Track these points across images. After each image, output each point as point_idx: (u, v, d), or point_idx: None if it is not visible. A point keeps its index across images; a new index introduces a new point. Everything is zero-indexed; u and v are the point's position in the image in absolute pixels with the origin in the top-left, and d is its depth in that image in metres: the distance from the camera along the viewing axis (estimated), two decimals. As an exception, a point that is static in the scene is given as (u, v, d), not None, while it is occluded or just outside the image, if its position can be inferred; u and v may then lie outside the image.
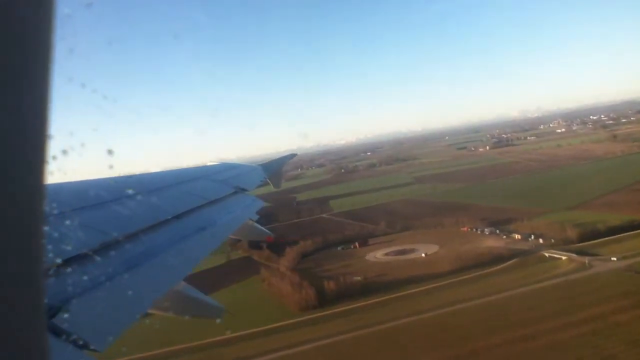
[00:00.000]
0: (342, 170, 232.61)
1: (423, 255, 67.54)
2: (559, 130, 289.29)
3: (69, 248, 2.76)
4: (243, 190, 7.58)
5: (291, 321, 51.48)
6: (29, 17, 0.87)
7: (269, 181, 10.76)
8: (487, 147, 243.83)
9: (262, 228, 7.60)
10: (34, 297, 1.05)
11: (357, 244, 78.98)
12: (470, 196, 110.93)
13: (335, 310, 52.33)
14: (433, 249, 69.66)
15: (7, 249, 0.92)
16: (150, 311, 3.40)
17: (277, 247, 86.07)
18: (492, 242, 69.20)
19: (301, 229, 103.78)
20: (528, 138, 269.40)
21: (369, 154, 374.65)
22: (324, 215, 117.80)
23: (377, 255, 72.42)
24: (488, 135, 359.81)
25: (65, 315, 2.29)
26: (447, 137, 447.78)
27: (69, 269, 2.65)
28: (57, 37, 0.93)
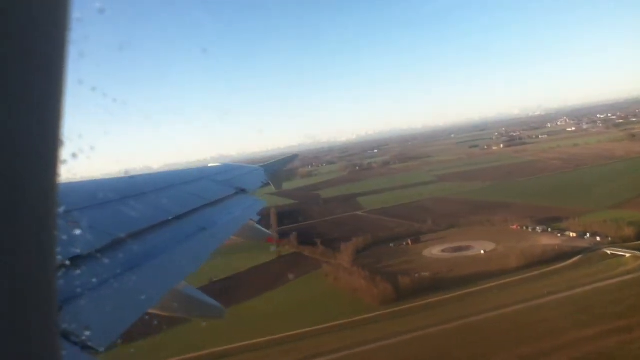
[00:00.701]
0: (357, 168, 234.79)
1: (482, 252, 70.23)
2: (570, 129, 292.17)
3: (70, 248, 2.83)
4: (244, 191, 7.77)
5: (376, 314, 53.95)
6: (44, 20, 0.90)
7: (270, 182, 11.00)
8: (501, 146, 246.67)
9: (263, 229, 7.90)
10: (47, 296, 1.08)
11: (409, 241, 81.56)
12: (504, 195, 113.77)
13: (415, 304, 54.87)
14: (490, 246, 72.39)
15: (21, 249, 0.96)
16: (151, 311, 3.47)
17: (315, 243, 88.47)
18: (548, 240, 72.00)
19: (340, 226, 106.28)
20: (539, 137, 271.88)
21: (376, 151, 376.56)
22: (358, 213, 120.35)
23: (434, 252, 75.07)
24: (496, 134, 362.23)
25: (66, 315, 2.33)
26: (452, 135, 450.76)
27: (69, 269, 2.72)
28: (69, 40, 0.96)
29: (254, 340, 51.41)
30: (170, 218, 4.77)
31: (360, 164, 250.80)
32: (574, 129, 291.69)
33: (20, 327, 0.99)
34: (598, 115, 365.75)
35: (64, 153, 1.05)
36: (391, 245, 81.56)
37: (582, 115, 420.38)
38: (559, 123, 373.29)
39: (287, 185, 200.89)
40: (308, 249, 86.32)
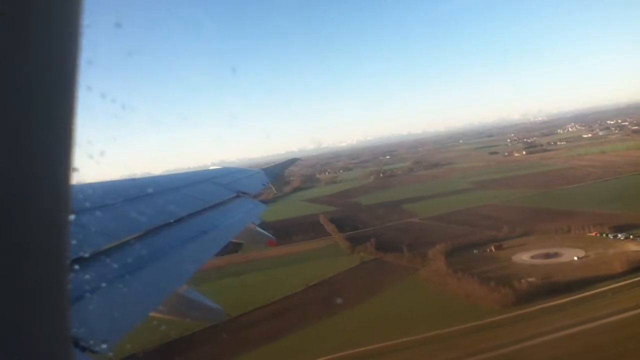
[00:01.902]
0: (381, 175, 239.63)
1: (575, 258, 75.23)
2: (586, 136, 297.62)
3: (73, 250, 2.90)
4: (245, 194, 8.03)
5: (505, 316, 58.52)
6: (56, 27, 0.95)
7: (272, 185, 11.46)
8: (523, 152, 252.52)
9: (264, 232, 8.11)
10: (59, 299, 1.12)
11: (492, 247, 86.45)
12: (560, 202, 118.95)
13: (542, 306, 59.51)
14: (579, 253, 77.47)
15: (35, 250, 1.00)
16: (152, 314, 3.56)
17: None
18: (635, 246, 77.29)
19: (405, 232, 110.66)
20: (557, 143, 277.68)
21: (388, 157, 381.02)
22: (414, 220, 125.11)
23: (523, 258, 80.00)
24: (508, 140, 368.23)
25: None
26: (460, 141, 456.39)
27: (73, 271, 2.75)
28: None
29: (396, 341, 55.60)
30: (171, 221, 4.94)
31: (383, 170, 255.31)
32: (590, 135, 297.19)
33: (33, 329, 1.02)
34: (608, 121, 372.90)
35: (75, 158, 1.10)
36: (475, 251, 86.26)
37: (589, 121, 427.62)
38: (570, 129, 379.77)
39: (314, 193, 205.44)
40: (389, 255, 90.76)
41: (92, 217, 3.88)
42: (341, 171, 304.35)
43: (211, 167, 10.62)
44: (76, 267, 2.83)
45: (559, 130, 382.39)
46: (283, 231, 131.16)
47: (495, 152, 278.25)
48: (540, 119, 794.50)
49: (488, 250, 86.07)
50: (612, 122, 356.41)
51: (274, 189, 12.17)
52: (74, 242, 3.00)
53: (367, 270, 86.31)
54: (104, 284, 3.05)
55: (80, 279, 2.84)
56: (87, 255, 3.15)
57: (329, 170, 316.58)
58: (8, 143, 0.88)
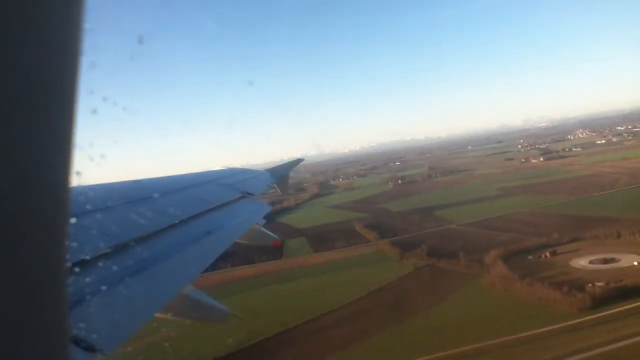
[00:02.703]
0: (399, 182, 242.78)
1: (635, 264, 78.46)
2: (599, 142, 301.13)
3: (76, 252, 2.98)
4: (250, 194, 8.11)
5: (587, 319, 61.45)
6: (58, 29, 0.97)
7: (276, 186, 11.61)
8: (540, 159, 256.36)
9: (269, 232, 8.15)
10: (58, 300, 1.13)
11: (547, 253, 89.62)
12: (598, 208, 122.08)
13: (615, 310, 62.47)
14: (637, 258, 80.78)
15: (34, 251, 1.02)
16: (157, 315, 3.60)
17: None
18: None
19: (448, 239, 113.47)
20: (573, 149, 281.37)
21: (398, 163, 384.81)
22: (452, 226, 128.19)
23: (581, 263, 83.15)
24: (519, 146, 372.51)
25: (73, 319, 2.44)
26: (469, 147, 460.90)
27: (76, 272, 2.85)
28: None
29: (490, 342, 58.41)
30: (176, 222, 5.03)
31: (400, 177, 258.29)
32: (603, 141, 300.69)
33: (31, 330, 1.04)
34: (618, 128, 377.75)
35: (76, 162, 1.12)
36: (529, 257, 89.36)
37: (596, 127, 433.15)
38: (580, 135, 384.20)
39: (335, 199, 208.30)
40: (443, 262, 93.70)
41: (96, 219, 3.98)
42: (355, 177, 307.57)
43: (216, 169, 10.63)
44: (81, 268, 2.93)
45: (568, 137, 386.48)
46: (320, 237, 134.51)
47: (511, 159, 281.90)
48: (543, 124, 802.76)
49: (543, 256, 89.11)
50: (622, 129, 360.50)
51: (278, 190, 12.25)
52: (78, 243, 3.08)
53: (424, 276, 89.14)
54: (109, 285, 3.11)
55: (85, 280, 2.89)
56: (92, 256, 3.23)
57: (341, 177, 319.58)
58: (8, 145, 0.90)
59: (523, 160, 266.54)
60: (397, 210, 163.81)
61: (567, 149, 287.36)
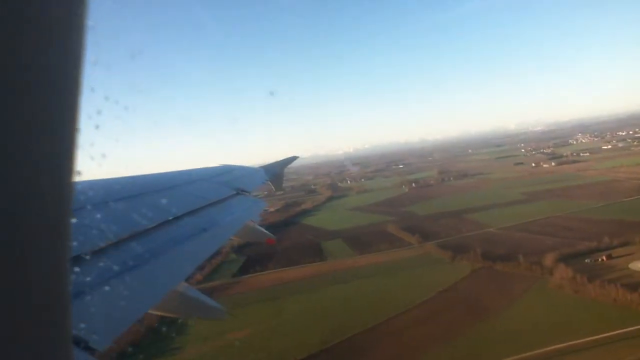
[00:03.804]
0: (413, 185, 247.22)
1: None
2: (605, 147, 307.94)
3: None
4: (244, 191, 8.43)
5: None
6: (61, 26, 0.99)
7: (270, 183, 11.81)
8: (552, 163, 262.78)
9: (263, 230, 8.55)
10: (60, 297, 1.16)
11: (603, 257, 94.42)
12: (632, 214, 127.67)
13: None
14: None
15: (36, 247, 1.04)
16: (150, 311, 3.70)
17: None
18: None
19: (492, 243, 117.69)
20: (581, 154, 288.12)
21: (401, 166, 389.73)
22: (490, 230, 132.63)
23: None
24: (523, 150, 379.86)
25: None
26: (470, 151, 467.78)
27: (70, 269, 2.74)
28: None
29: (583, 339, 62.43)
30: (170, 218, 5.21)
31: (414, 180, 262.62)
32: (609, 147, 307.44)
33: (33, 329, 1.05)
34: (619, 133, 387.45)
35: (77, 160, 1.14)
36: (587, 260, 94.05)
37: (595, 131, 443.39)
38: (583, 140, 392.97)
39: (353, 202, 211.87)
40: (500, 264, 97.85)
41: (90, 215, 4.03)
42: (363, 180, 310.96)
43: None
44: (75, 265, 3.03)
45: (571, 141, 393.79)
46: (357, 240, 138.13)
47: (521, 163, 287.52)
48: (539, 128, 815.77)
49: (599, 259, 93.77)
50: (623, 134, 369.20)
51: (272, 187, 12.44)
52: (72, 239, 3.01)
53: (485, 279, 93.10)
54: (102, 282, 3.19)
55: (78, 277, 2.98)
56: (85, 253, 3.33)
57: (349, 179, 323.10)
58: (11, 143, 0.92)
59: (534, 164, 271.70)
60: (424, 213, 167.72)
61: (574, 154, 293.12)
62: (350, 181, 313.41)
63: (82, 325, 2.52)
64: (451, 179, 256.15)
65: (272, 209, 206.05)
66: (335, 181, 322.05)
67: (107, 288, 3.15)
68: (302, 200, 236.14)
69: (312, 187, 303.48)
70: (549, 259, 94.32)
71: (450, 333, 70.73)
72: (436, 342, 68.76)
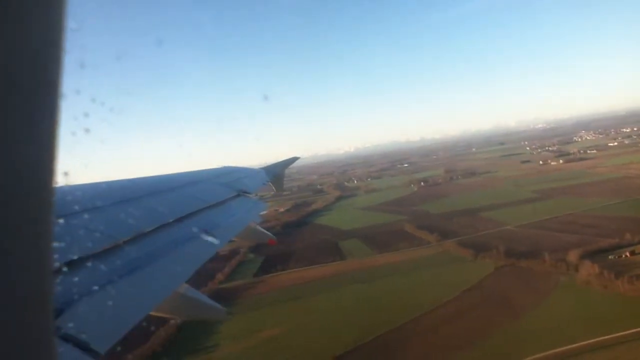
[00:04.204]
0: (422, 184, 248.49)
1: None
2: (611, 144, 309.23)
3: (71, 251, 3.09)
4: (245, 193, 8.53)
5: None
6: (40, 28, 0.99)
7: (272, 184, 11.90)
8: (560, 161, 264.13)
9: (265, 231, 8.75)
10: (43, 299, 1.16)
11: (627, 253, 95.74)
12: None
13: None
14: None
15: (18, 251, 1.04)
16: (152, 313, 3.71)
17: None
18: None
19: (512, 240, 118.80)
20: (588, 152, 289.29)
21: (406, 165, 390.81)
22: (509, 227, 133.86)
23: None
24: (527, 148, 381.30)
25: (68, 318, 2.49)
26: (473, 149, 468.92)
27: (71, 272, 2.95)
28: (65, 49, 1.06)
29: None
30: (171, 220, 5.25)
31: (423, 179, 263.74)
32: (615, 144, 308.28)
33: (16, 330, 1.05)
34: (623, 130, 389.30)
35: (66, 162, 1.17)
36: (610, 257, 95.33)
37: (597, 129, 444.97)
38: (587, 137, 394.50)
39: (363, 202, 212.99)
40: (524, 262, 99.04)
41: (91, 218, 4.11)
42: (369, 179, 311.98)
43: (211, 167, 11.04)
44: (76, 268, 3.07)
45: (574, 139, 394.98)
46: (373, 239, 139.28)
47: (527, 161, 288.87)
48: (540, 126, 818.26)
49: (623, 255, 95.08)
50: (627, 131, 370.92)
51: (273, 188, 12.50)
52: (73, 243, 3.23)
53: (510, 276, 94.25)
54: (104, 285, 3.21)
55: (80, 280, 3.00)
56: (87, 256, 3.35)
57: (355, 179, 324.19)
58: None
59: (541, 162, 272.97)
60: (437, 212, 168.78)
61: (581, 152, 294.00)
62: (356, 180, 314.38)
63: (83, 328, 2.54)
64: (459, 177, 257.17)
65: (281, 209, 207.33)
66: (340, 181, 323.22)
67: (108, 291, 3.15)
68: (311, 200, 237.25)
69: (319, 187, 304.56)
70: (572, 256, 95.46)
71: (483, 331, 71.87)
72: (470, 340, 69.87)
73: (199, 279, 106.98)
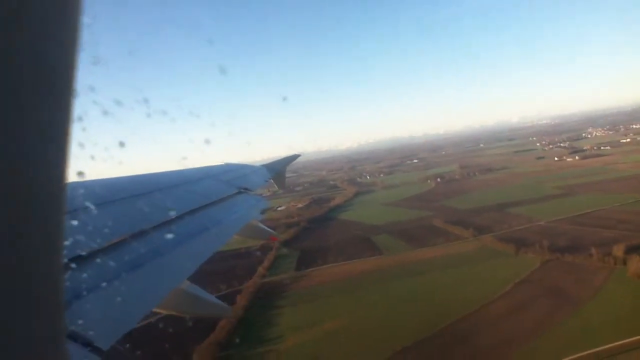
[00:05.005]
0: (439, 180, 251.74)
1: None
2: (624, 140, 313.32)
3: (74, 247, 3.13)
4: (247, 190, 8.73)
5: None
6: (55, 25, 1.01)
7: (273, 181, 12.25)
8: (576, 157, 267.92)
9: (266, 228, 8.74)
10: (53, 295, 1.20)
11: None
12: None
13: None
14: None
15: (29, 247, 1.06)
16: (155, 310, 3.76)
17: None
18: None
19: (550, 235, 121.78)
20: (602, 148, 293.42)
21: (415, 161, 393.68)
22: (541, 223, 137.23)
23: None
24: (538, 144, 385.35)
25: (71, 315, 2.53)
26: (481, 145, 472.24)
27: (74, 268, 3.00)
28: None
29: None
30: (173, 217, 5.39)
31: (438, 175, 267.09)
32: (628, 140, 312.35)
33: (27, 327, 1.07)
34: (633, 126, 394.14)
35: (80, 160, 1.24)
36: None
37: (604, 125, 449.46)
38: (597, 133, 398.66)
39: (382, 197, 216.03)
40: (568, 256, 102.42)
41: (93, 214, 4.15)
42: (381, 175, 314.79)
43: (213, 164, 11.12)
44: (78, 264, 3.14)
45: (584, 135, 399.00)
46: (405, 234, 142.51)
47: (542, 157, 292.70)
48: (544, 122, 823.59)
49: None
50: (637, 127, 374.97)
51: (275, 185, 12.75)
52: (75, 239, 3.26)
53: (558, 270, 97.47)
54: (106, 281, 3.28)
55: (83, 276, 3.07)
56: (89, 252, 3.43)
57: (367, 175, 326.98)
58: (3, 142, 0.94)
59: (556, 158, 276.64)
60: (463, 208, 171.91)
61: (595, 148, 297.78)
62: (369, 176, 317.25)
63: (87, 325, 2.61)
64: (476, 173, 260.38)
65: (300, 205, 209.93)
66: (351, 176, 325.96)
67: (110, 288, 3.22)
68: (328, 196, 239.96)
69: (331, 182, 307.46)
70: (617, 250, 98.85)
71: (549, 321, 75.11)
72: (539, 329, 73.06)
73: (241, 273, 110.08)
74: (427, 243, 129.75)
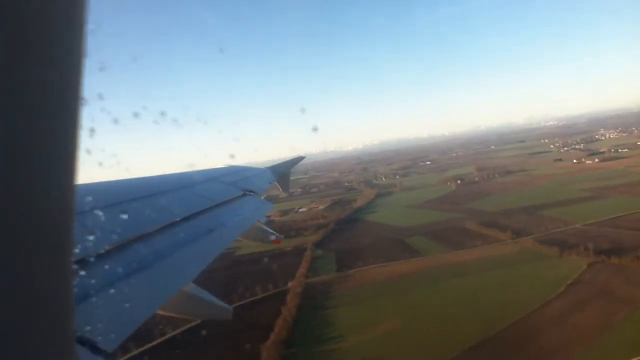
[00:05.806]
0: (458, 182, 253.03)
1: None
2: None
3: (79, 249, 3.14)
4: (252, 192, 8.83)
5: None
6: (60, 28, 1.03)
7: (278, 184, 12.46)
8: (596, 160, 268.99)
9: (271, 230, 8.88)
10: (64, 298, 1.21)
11: None
12: None
13: None
14: None
15: (39, 248, 1.08)
16: (159, 312, 3.86)
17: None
18: None
19: (590, 237, 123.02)
20: (620, 150, 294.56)
21: (428, 163, 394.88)
22: (577, 226, 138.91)
23: None
24: (551, 146, 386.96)
25: (76, 315, 2.54)
26: (492, 147, 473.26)
27: (79, 270, 3.02)
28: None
29: None
30: (177, 219, 5.48)
31: (457, 177, 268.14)
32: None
33: (36, 329, 1.08)
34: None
35: (88, 164, 1.27)
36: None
37: (615, 126, 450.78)
38: (610, 135, 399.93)
39: (404, 199, 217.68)
40: (614, 259, 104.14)
41: (98, 217, 4.17)
42: (397, 177, 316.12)
43: (218, 167, 11.18)
44: (82, 267, 3.18)
45: (597, 136, 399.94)
46: (440, 236, 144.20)
47: (560, 159, 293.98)
48: (551, 123, 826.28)
49: None
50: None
51: (279, 187, 12.77)
52: (79, 242, 3.24)
53: (607, 272, 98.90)
54: (111, 283, 3.33)
55: (86, 278, 3.12)
56: (93, 255, 3.48)
57: (382, 176, 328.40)
58: (13, 146, 0.95)
59: (575, 161, 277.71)
60: (492, 210, 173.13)
61: (612, 150, 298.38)
62: (384, 178, 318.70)
63: (90, 327, 2.67)
64: (495, 175, 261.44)
65: (321, 207, 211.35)
66: (366, 178, 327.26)
67: (114, 290, 3.29)
68: (348, 198, 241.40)
69: (346, 184, 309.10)
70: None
71: (609, 322, 76.78)
72: (600, 329, 74.69)
73: (281, 274, 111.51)
74: (464, 245, 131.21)
